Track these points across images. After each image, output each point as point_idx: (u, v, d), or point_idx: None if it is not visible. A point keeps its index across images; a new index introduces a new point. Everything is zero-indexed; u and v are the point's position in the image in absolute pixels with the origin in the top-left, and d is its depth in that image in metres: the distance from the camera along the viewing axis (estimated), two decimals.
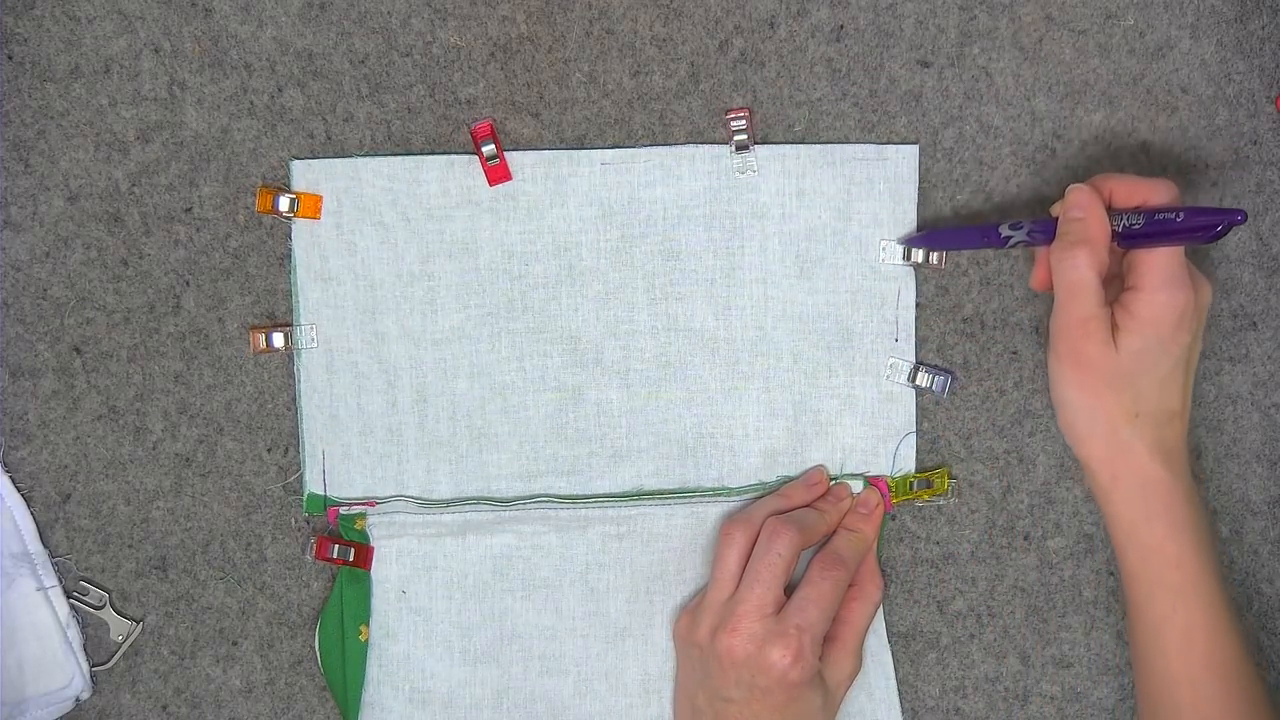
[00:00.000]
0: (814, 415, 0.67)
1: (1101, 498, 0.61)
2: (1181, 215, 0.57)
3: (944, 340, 0.67)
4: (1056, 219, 0.61)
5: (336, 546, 0.66)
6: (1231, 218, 0.56)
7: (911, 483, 0.67)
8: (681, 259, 0.66)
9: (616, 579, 0.67)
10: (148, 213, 0.66)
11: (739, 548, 0.63)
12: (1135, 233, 0.59)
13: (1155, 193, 0.59)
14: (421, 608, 0.67)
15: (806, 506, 0.66)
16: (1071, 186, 0.60)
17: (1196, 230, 0.57)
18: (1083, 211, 0.59)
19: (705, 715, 0.63)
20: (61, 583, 0.68)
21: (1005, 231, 0.62)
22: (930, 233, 0.66)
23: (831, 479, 0.68)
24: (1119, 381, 0.59)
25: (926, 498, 0.67)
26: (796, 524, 0.63)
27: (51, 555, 0.67)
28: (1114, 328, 0.59)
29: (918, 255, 0.66)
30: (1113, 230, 0.59)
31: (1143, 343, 0.59)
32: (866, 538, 0.66)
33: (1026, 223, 0.62)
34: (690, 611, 0.65)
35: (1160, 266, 0.58)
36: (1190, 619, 0.59)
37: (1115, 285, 0.61)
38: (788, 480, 0.67)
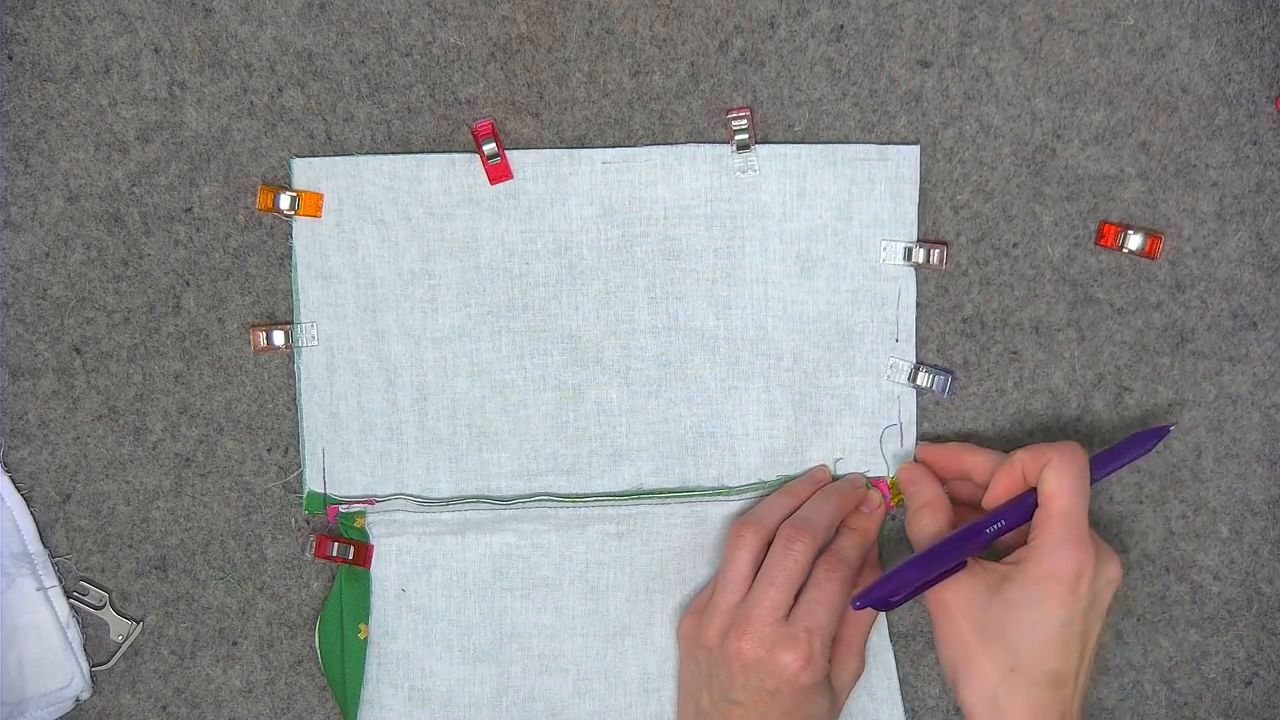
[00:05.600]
0: (814, 415, 0.67)
1: None
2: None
3: (944, 340, 0.67)
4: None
5: (336, 545, 0.66)
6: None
7: None
8: (682, 258, 0.66)
9: (616, 578, 0.67)
10: (148, 213, 0.66)
11: (751, 550, 0.63)
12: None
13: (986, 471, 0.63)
14: (421, 606, 0.67)
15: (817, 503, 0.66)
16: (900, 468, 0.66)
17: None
18: (915, 483, 0.65)
19: (710, 717, 0.63)
20: (61, 583, 0.68)
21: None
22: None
23: (832, 478, 0.68)
24: (989, 634, 0.58)
25: None
26: (811, 528, 0.63)
27: (51, 555, 0.67)
28: (1002, 579, 0.59)
29: (918, 255, 0.66)
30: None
31: (1022, 595, 0.58)
32: (869, 537, 0.66)
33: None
34: (695, 613, 0.65)
35: (1061, 524, 0.58)
36: None
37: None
38: (788, 479, 0.67)
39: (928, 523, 0.63)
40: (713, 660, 0.62)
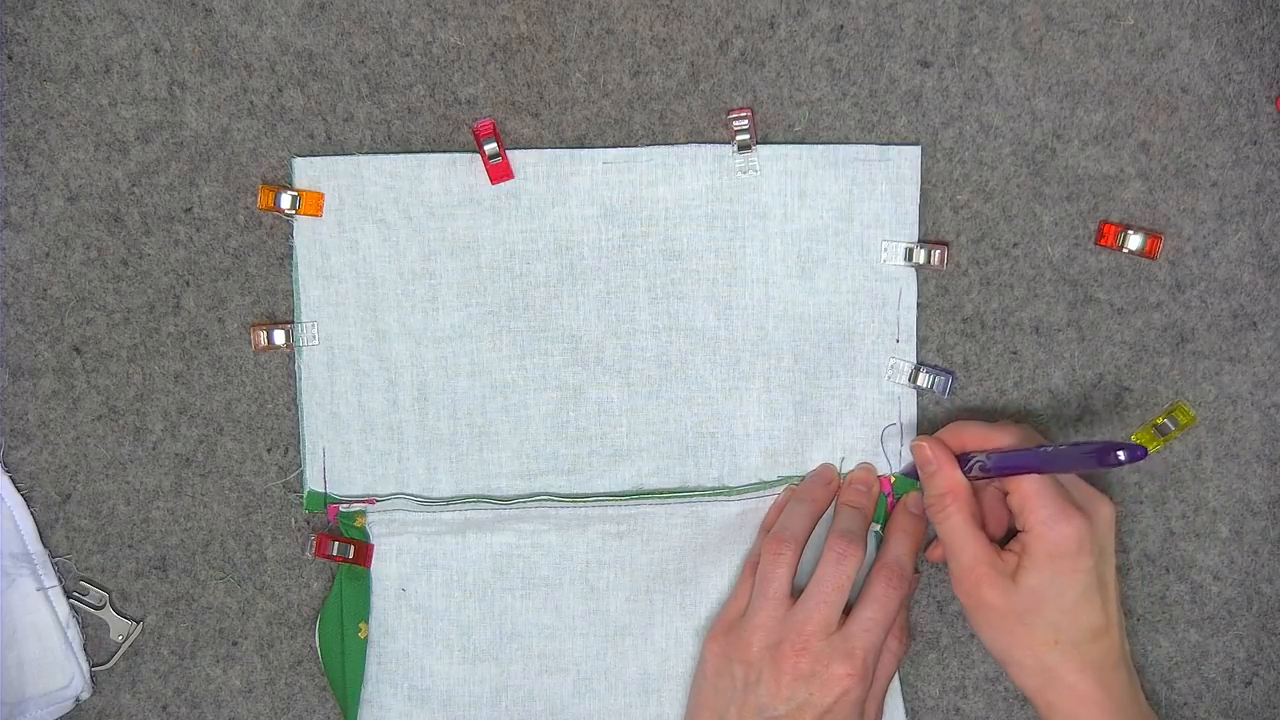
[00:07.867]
0: (815, 415, 0.67)
1: None
2: (1050, 448, 0.59)
3: (944, 340, 0.67)
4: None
5: (336, 544, 0.66)
6: (1102, 459, 0.55)
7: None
8: (683, 258, 0.66)
9: (616, 578, 0.67)
10: (148, 213, 0.66)
11: (790, 565, 0.63)
12: (991, 469, 0.60)
13: (1000, 439, 0.61)
14: (421, 606, 0.67)
15: (844, 504, 0.66)
16: (914, 444, 0.63)
17: (1057, 463, 0.58)
18: (934, 464, 0.62)
19: None
20: (61, 583, 0.68)
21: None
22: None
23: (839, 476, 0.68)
24: (1027, 617, 0.60)
25: None
26: (860, 540, 0.63)
27: (51, 555, 0.67)
28: (1017, 567, 0.60)
29: (919, 256, 0.66)
30: (969, 472, 0.61)
31: (1040, 578, 0.60)
32: (921, 539, 0.66)
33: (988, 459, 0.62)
34: (724, 632, 0.64)
35: (1040, 503, 0.59)
36: None
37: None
38: (788, 480, 0.67)
39: (952, 513, 0.61)
40: (754, 673, 0.62)
